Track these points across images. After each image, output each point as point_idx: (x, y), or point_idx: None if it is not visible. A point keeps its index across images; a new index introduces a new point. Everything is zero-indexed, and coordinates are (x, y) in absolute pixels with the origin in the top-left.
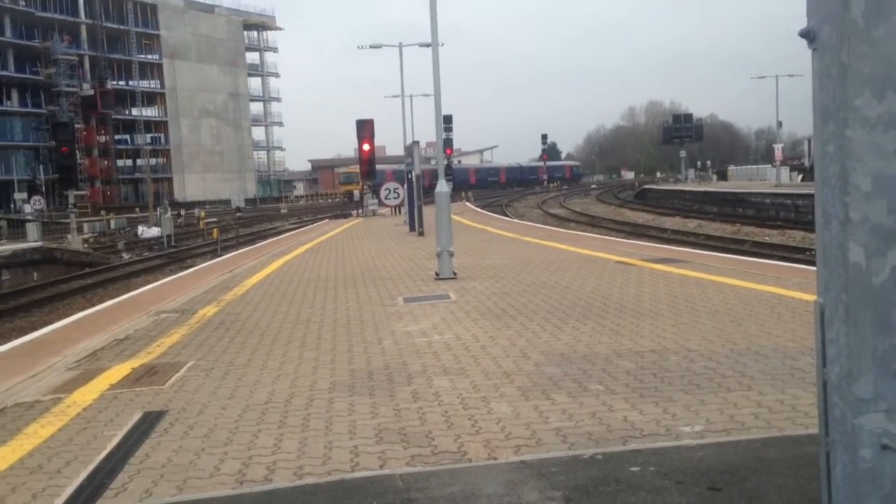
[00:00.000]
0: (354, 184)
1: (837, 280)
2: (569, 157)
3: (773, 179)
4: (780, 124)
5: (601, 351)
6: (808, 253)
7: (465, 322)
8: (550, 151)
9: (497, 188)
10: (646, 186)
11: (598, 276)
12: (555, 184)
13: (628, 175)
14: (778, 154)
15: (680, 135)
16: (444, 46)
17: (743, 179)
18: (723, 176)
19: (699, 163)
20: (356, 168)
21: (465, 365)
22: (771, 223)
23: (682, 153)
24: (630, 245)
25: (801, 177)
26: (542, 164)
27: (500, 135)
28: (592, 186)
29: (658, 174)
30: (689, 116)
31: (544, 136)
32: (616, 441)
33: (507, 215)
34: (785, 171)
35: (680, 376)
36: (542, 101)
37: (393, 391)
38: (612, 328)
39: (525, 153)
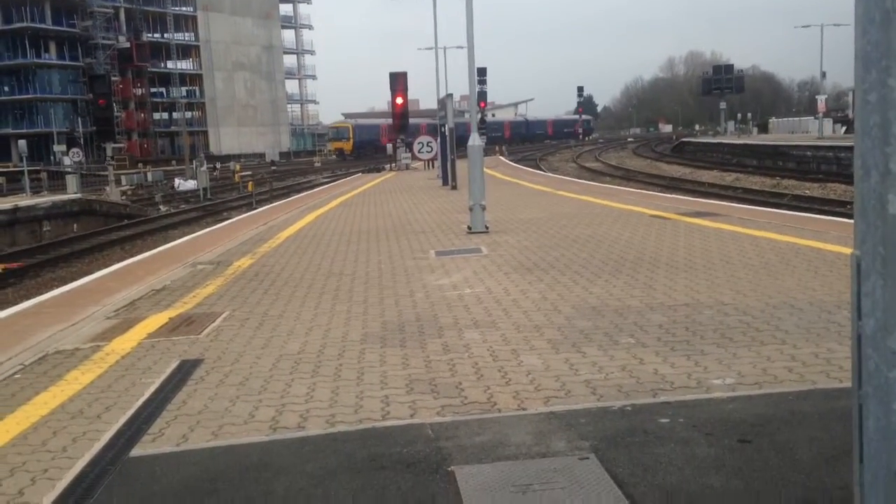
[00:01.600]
0: (344, 140)
1: (875, 232)
2: (605, 110)
3: (815, 132)
4: (823, 75)
5: (633, 305)
6: (848, 207)
7: (497, 275)
8: (587, 104)
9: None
10: (684, 139)
11: (633, 230)
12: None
13: (666, 128)
14: (821, 105)
15: (720, 86)
16: None
17: (784, 132)
18: (763, 128)
19: (739, 115)
20: (345, 123)
21: (495, 318)
22: (812, 176)
23: (722, 105)
24: (666, 199)
25: (844, 129)
26: (547, 119)
27: (537, 87)
28: (629, 140)
29: (697, 127)
30: (729, 67)
31: (580, 89)
32: (646, 393)
33: (541, 169)
34: (828, 124)
35: (713, 330)
36: (580, 53)
37: (424, 343)
38: (644, 282)
39: (562, 106)
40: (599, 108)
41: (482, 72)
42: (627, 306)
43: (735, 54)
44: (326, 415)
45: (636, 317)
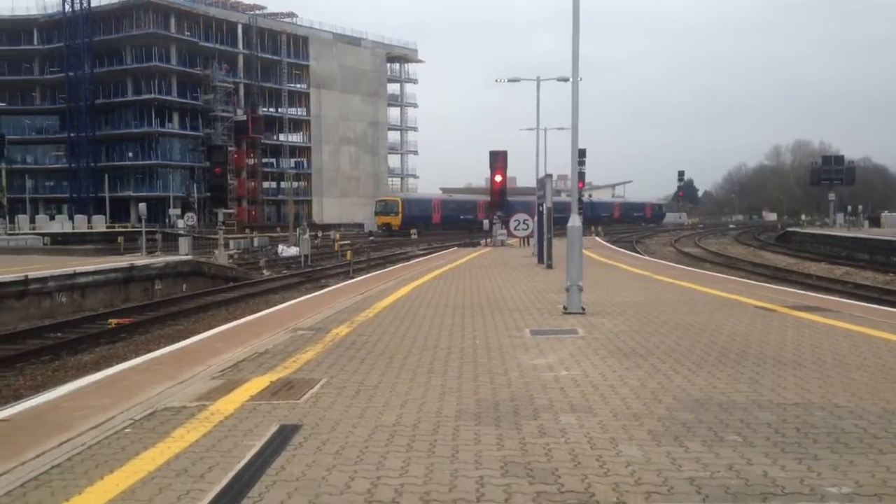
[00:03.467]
0: (392, 215)
1: None
2: (706, 195)
3: None
4: None
5: (739, 400)
6: None
7: (594, 359)
8: (687, 188)
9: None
10: (789, 229)
11: (736, 320)
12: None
13: (770, 216)
14: None
15: (829, 177)
16: (583, 81)
17: None
18: (875, 222)
19: (849, 207)
20: (394, 197)
21: (592, 403)
22: None
23: (832, 196)
24: (771, 290)
25: None
26: (615, 200)
27: (636, 169)
28: (730, 226)
29: (803, 217)
30: (839, 158)
31: (681, 173)
32: (755, 497)
33: (637, 252)
34: None
35: (826, 433)
36: (681, 137)
37: (519, 424)
38: (750, 376)
39: (660, 189)
40: (700, 193)
41: (582, 153)
42: (733, 401)
43: (845, 145)
44: (421, 492)
45: (742, 413)
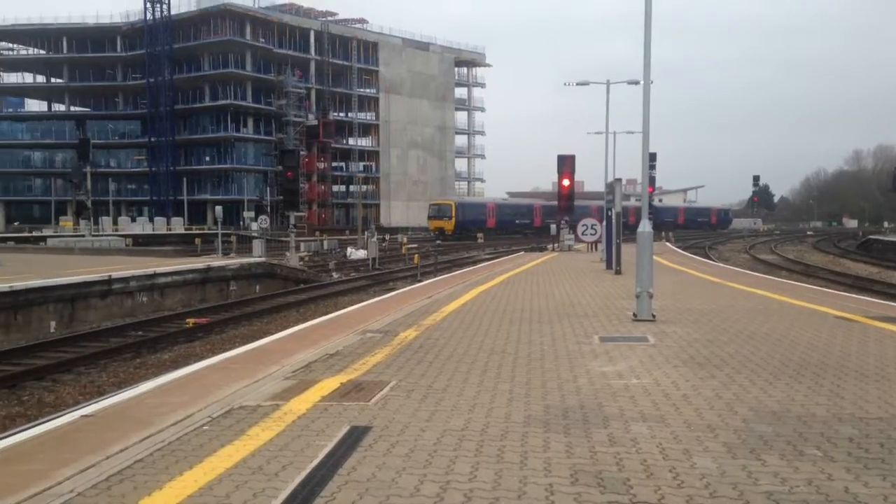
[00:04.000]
0: (446, 219)
1: None
2: (782, 200)
3: None
4: None
5: (819, 413)
6: None
7: (665, 367)
8: (762, 193)
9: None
10: (871, 236)
11: (815, 330)
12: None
13: (850, 223)
14: None
15: None
16: (653, 84)
17: None
18: None
19: None
20: (448, 200)
21: (664, 413)
22: None
23: None
24: (852, 299)
25: None
26: (679, 205)
27: (708, 173)
28: (808, 233)
29: (885, 224)
30: None
31: (756, 178)
32: None
33: (710, 258)
34: None
35: None
36: (757, 141)
37: (588, 432)
38: (831, 389)
39: (734, 194)
40: (776, 199)
41: (652, 157)
42: (812, 414)
43: None
44: (490, 497)
45: (822, 427)
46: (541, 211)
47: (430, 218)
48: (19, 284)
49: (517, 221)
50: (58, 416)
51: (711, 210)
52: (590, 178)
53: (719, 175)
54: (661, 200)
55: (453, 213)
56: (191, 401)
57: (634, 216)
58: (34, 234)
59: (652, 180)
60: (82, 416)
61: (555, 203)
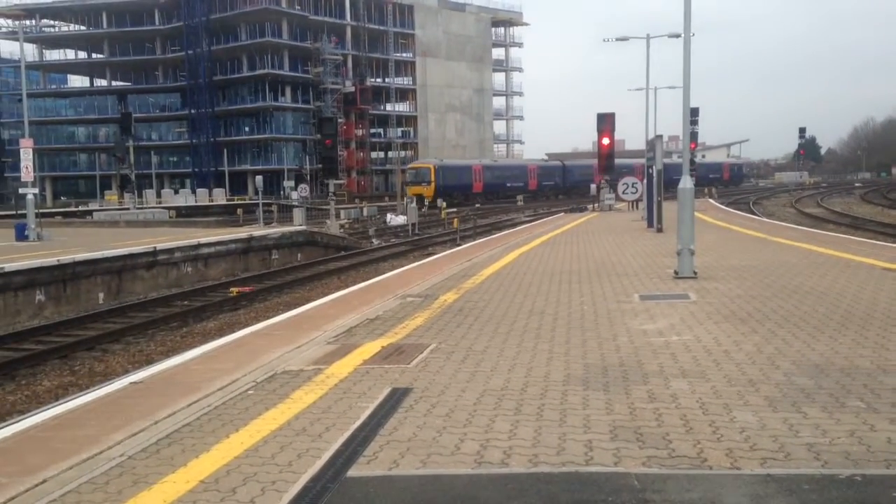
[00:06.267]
0: (424, 185)
1: None
2: (829, 152)
3: None
4: None
5: (863, 365)
6: None
7: (706, 324)
8: (809, 146)
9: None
10: None
11: (861, 283)
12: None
13: None
14: None
15: None
16: (695, 37)
17: None
18: None
19: None
20: (426, 163)
21: (705, 369)
22: None
23: None
24: None
25: None
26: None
27: (754, 127)
28: (856, 185)
29: None
30: None
31: (802, 130)
32: (878, 463)
33: (754, 213)
34: None
35: None
36: (803, 92)
37: (628, 389)
38: (876, 341)
39: (780, 148)
40: (823, 151)
41: (694, 112)
42: (856, 366)
43: None
44: (529, 454)
45: (866, 378)
46: (536, 172)
47: (407, 184)
48: (66, 258)
49: (508, 185)
50: (107, 385)
51: (724, 165)
52: (633, 135)
53: (767, 130)
54: (703, 156)
55: (433, 178)
56: (236, 367)
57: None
58: (80, 208)
59: (694, 136)
60: (131, 383)
61: (548, 164)
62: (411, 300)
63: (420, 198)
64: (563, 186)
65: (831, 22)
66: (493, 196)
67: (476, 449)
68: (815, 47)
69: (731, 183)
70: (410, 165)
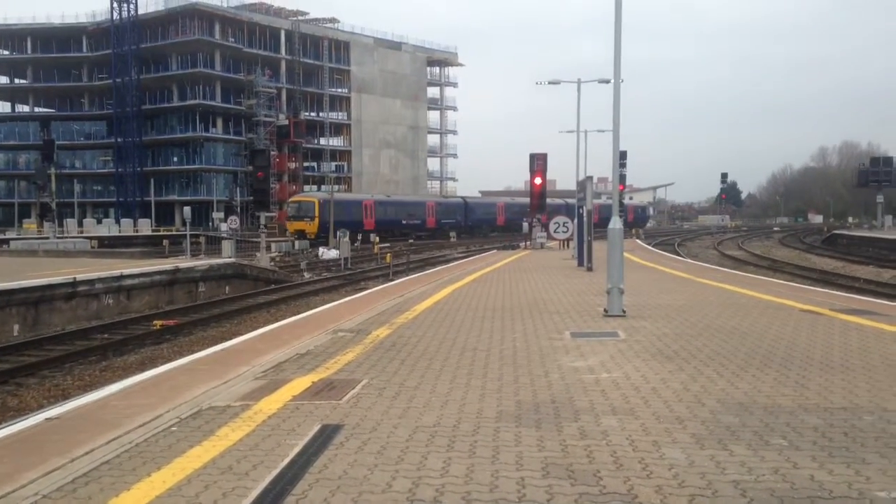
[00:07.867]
0: (307, 220)
1: None
2: (749, 197)
3: None
4: None
5: (784, 404)
6: None
7: (635, 361)
8: (730, 191)
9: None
10: (836, 231)
11: (782, 323)
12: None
13: (816, 219)
14: None
15: (878, 179)
16: (624, 83)
17: None
18: None
19: None
20: (310, 197)
21: (634, 406)
22: None
23: (880, 198)
24: (817, 293)
25: None
26: (595, 203)
27: (677, 171)
28: (775, 229)
29: (850, 219)
30: (888, 160)
31: (724, 175)
32: (802, 500)
33: (679, 254)
34: None
35: (875, 437)
36: (725, 140)
37: (560, 426)
38: (796, 380)
39: (703, 191)
40: (744, 195)
41: (623, 155)
42: (778, 405)
43: (893, 145)
44: (462, 491)
45: (788, 417)
46: (435, 209)
47: (288, 219)
48: None
49: (404, 222)
50: (22, 420)
51: (627, 207)
52: (562, 177)
53: (689, 173)
54: (631, 198)
55: (317, 213)
56: (158, 402)
57: (598, 215)
58: None
59: (623, 178)
60: (46, 419)
61: (448, 201)
62: (343, 335)
63: (301, 234)
64: (465, 225)
65: (753, 72)
66: (387, 234)
67: (408, 487)
68: (732, 96)
69: (634, 224)
70: (292, 199)
